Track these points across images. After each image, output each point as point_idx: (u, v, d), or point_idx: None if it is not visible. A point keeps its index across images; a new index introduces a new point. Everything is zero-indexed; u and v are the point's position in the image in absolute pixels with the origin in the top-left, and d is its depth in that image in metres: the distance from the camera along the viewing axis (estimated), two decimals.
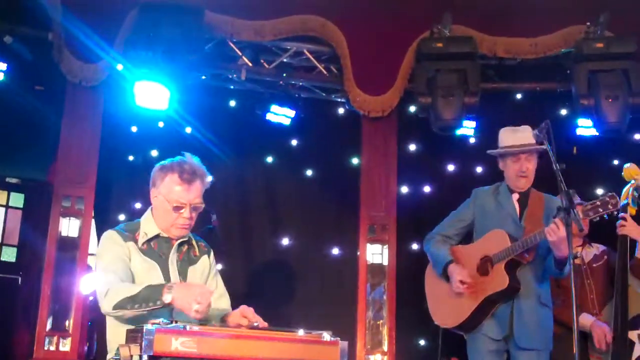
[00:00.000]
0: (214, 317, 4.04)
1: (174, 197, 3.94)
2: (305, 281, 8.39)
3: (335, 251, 8.53)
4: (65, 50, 7.22)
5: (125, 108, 7.49)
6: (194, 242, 4.16)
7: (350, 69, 7.86)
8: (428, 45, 7.53)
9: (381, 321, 7.72)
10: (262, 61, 8.30)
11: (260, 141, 8.56)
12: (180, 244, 4.08)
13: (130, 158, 8.29)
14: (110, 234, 4.00)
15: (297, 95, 8.44)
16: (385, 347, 7.66)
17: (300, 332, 3.56)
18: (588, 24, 7.44)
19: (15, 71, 7.22)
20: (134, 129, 8.29)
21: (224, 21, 7.65)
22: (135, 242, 3.96)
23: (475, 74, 7.49)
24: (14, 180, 8.44)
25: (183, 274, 4.02)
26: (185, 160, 4.05)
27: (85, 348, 7.62)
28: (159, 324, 3.23)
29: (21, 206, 8.59)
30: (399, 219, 8.01)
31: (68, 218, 7.34)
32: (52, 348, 7.01)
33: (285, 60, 8.28)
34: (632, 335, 5.53)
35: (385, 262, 7.87)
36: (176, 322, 3.28)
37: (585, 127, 7.90)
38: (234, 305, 4.10)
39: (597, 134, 7.68)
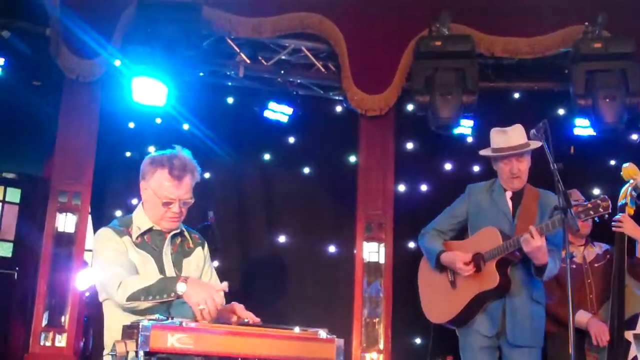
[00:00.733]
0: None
1: (163, 193, 3.92)
2: (301, 279, 8.40)
3: (332, 249, 8.54)
4: (62, 46, 7.21)
5: (122, 104, 7.49)
6: (186, 234, 4.13)
7: (348, 67, 7.86)
8: (426, 44, 7.53)
9: (377, 319, 7.72)
10: (260, 58, 8.29)
11: (257, 138, 8.56)
12: (174, 236, 4.06)
13: (128, 154, 8.30)
14: (104, 232, 3.99)
15: (295, 93, 8.44)
16: (381, 345, 7.67)
17: (297, 330, 3.56)
18: (586, 24, 7.44)
19: (12, 66, 7.22)
20: (131, 125, 8.30)
21: (222, 18, 7.64)
22: (130, 236, 3.96)
23: (473, 73, 7.49)
24: (10, 175, 8.44)
25: (178, 266, 4.01)
26: (175, 155, 4.00)
27: (81, 344, 7.63)
28: (155, 319, 3.22)
29: (18, 201, 8.59)
30: (396, 217, 8.01)
31: (65, 213, 7.33)
32: (48, 344, 7.00)
33: (283, 57, 8.27)
34: (629, 335, 5.53)
35: (382, 261, 7.87)
36: (172, 318, 3.28)
37: (583, 127, 7.91)
38: (230, 302, 4.11)
39: (595, 133, 7.69)
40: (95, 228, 8.01)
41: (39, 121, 7.83)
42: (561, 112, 8.38)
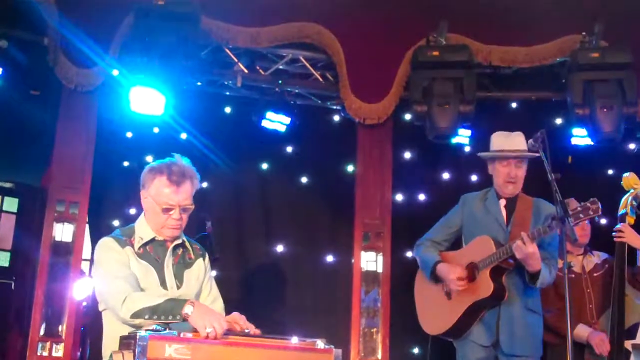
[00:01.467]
0: None
1: (162, 199, 3.94)
2: (299, 288, 8.39)
3: (330, 258, 8.53)
4: (60, 55, 7.20)
5: (120, 113, 7.48)
6: (188, 245, 4.15)
7: (346, 76, 7.87)
8: (424, 54, 7.54)
9: (375, 329, 7.71)
10: (257, 68, 8.29)
11: (255, 148, 8.55)
12: (175, 247, 4.07)
13: (125, 163, 8.29)
14: (107, 242, 3.98)
15: (292, 102, 8.44)
16: (379, 355, 7.65)
17: (294, 340, 3.56)
18: (583, 33, 7.46)
19: (10, 75, 7.21)
20: (129, 134, 8.29)
21: (220, 27, 7.65)
22: (132, 246, 3.95)
23: (471, 82, 7.50)
24: (7, 185, 8.42)
25: (179, 278, 4.02)
26: (174, 162, 4.04)
27: (78, 353, 7.60)
28: (152, 330, 3.22)
29: (15, 211, 8.56)
30: (393, 226, 8.01)
31: (62, 223, 7.31)
32: (45, 353, 6.98)
33: (281, 67, 8.27)
34: (628, 344, 5.54)
35: (380, 270, 7.86)
36: (170, 329, 3.28)
37: (580, 137, 7.91)
38: (228, 312, 4.10)
39: (592, 143, 7.69)
40: (93, 237, 8.00)
41: (37, 130, 7.82)
42: (558, 121, 8.39)
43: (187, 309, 3.53)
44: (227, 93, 8.42)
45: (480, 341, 5.15)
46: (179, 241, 4.08)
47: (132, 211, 8.04)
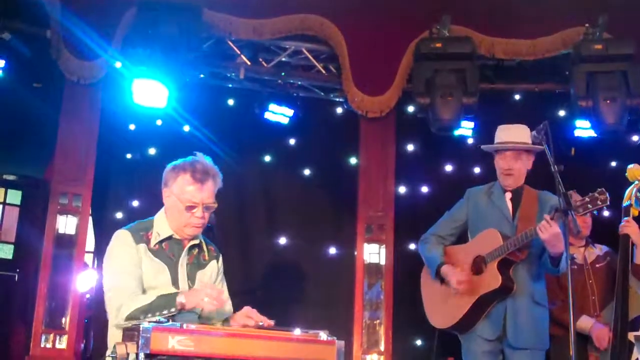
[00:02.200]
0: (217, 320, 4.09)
1: (186, 197, 3.94)
2: (302, 280, 8.39)
3: (333, 250, 8.54)
4: (63, 48, 7.21)
5: (123, 106, 7.48)
6: (204, 246, 4.16)
7: (349, 69, 7.86)
8: (427, 46, 7.53)
9: (378, 321, 7.72)
10: (260, 60, 8.29)
11: (258, 140, 8.56)
12: (191, 247, 4.08)
13: (128, 156, 8.30)
14: (123, 235, 3.99)
15: (295, 95, 8.45)
16: (382, 347, 7.66)
17: (297, 332, 3.56)
18: (587, 25, 7.44)
19: (13, 68, 7.22)
20: (132, 126, 8.30)
21: (222, 19, 7.64)
22: (147, 242, 3.96)
23: (474, 74, 7.48)
24: (11, 177, 8.45)
25: (191, 278, 4.03)
26: (197, 160, 4.04)
27: (82, 345, 7.63)
28: (156, 322, 3.23)
29: (18, 203, 8.60)
30: (396, 218, 8.01)
31: (65, 215, 7.33)
32: (49, 345, 7.00)
33: (283, 59, 8.27)
34: (631, 336, 5.53)
35: (383, 262, 7.87)
36: (173, 320, 3.28)
37: (584, 129, 7.91)
38: (232, 304, 4.13)
39: (596, 135, 7.68)
40: (96, 230, 8.02)
41: (40, 123, 7.83)
42: (562, 113, 8.38)
43: (180, 299, 3.61)
44: (230, 85, 8.42)
45: (485, 335, 5.14)
46: (196, 241, 4.09)
47: (135, 203, 8.08)
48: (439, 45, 7.48)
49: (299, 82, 8.48)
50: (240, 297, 4.52)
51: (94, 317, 7.83)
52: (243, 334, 3.45)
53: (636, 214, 5.62)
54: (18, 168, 8.39)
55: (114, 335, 3.80)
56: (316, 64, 8.33)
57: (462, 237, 5.54)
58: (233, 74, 8.21)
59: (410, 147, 8.75)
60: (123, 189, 8.16)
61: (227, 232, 7.86)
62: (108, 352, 3.79)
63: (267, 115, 8.23)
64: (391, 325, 7.73)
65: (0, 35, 7.02)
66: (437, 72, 7.45)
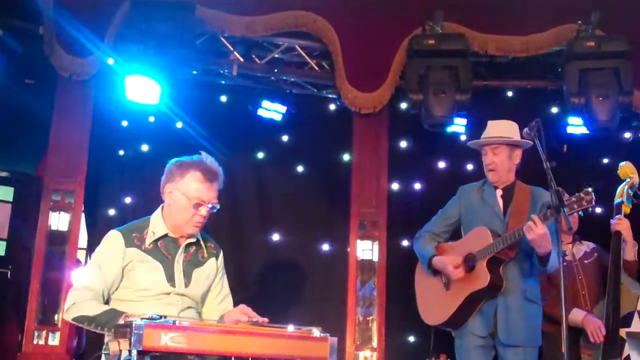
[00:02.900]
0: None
1: (194, 194, 3.99)
2: (295, 277, 8.39)
3: (326, 247, 8.54)
4: (55, 44, 7.19)
5: (116, 102, 7.48)
6: (202, 243, 4.18)
7: (342, 65, 7.86)
8: (420, 42, 7.53)
9: (371, 317, 7.73)
10: (253, 57, 8.29)
11: (251, 137, 8.55)
12: (188, 245, 4.10)
13: (121, 152, 8.29)
14: (113, 236, 4.02)
15: (288, 91, 8.46)
16: (374, 344, 7.67)
17: (290, 328, 3.57)
18: (579, 22, 7.46)
19: (5, 64, 7.20)
20: (124, 123, 8.28)
21: (215, 16, 7.63)
22: (141, 243, 3.99)
23: (467, 71, 7.49)
24: (3, 174, 8.40)
25: (187, 276, 4.04)
26: (205, 160, 4.12)
27: (74, 342, 7.60)
28: (148, 318, 3.22)
29: (11, 200, 8.55)
30: (389, 215, 8.02)
31: (58, 212, 7.32)
32: (41, 342, 7.00)
33: (276, 55, 8.27)
34: (623, 332, 5.55)
35: (376, 259, 7.87)
36: (166, 317, 3.28)
37: (576, 126, 7.93)
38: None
39: (588, 132, 7.70)
40: (89, 226, 8.00)
41: (32, 119, 7.81)
42: (554, 110, 8.40)
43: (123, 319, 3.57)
44: (223, 82, 8.41)
45: (477, 331, 5.15)
46: (192, 239, 4.11)
47: (128, 200, 8.07)
48: (432, 42, 7.49)
49: (292, 79, 8.49)
50: (233, 293, 4.53)
51: None
52: (236, 330, 3.45)
53: (628, 211, 5.64)
54: (10, 164, 8.35)
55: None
56: (309, 60, 8.33)
57: (456, 235, 5.55)
58: (226, 71, 8.21)
59: (403, 144, 8.75)
60: (116, 185, 8.16)
61: (220, 228, 7.85)
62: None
63: (260, 112, 8.23)
64: (384, 322, 7.74)
65: None
66: (430, 69, 7.46)
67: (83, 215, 7.70)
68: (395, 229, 8.11)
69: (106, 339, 3.83)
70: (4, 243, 8.43)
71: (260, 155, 8.72)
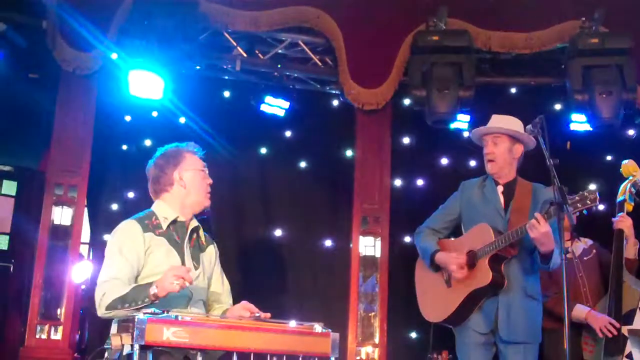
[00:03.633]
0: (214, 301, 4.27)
1: (200, 165, 4.29)
2: (298, 272, 8.40)
3: (328, 243, 8.54)
4: (59, 39, 7.19)
5: (119, 97, 7.47)
6: (201, 232, 4.31)
7: (345, 61, 7.85)
8: (423, 39, 7.52)
9: (373, 313, 7.73)
10: (257, 52, 8.28)
11: (254, 132, 8.55)
12: (192, 231, 4.21)
13: (124, 147, 8.29)
14: (131, 224, 4.07)
15: (291, 87, 8.44)
16: (376, 340, 7.67)
17: (292, 324, 3.57)
18: (583, 19, 7.44)
19: (9, 59, 7.21)
20: (127, 118, 8.29)
21: (219, 11, 7.63)
22: (154, 228, 4.07)
23: (470, 67, 7.48)
24: (6, 168, 8.42)
25: (196, 259, 4.16)
26: (183, 144, 4.40)
27: (77, 336, 7.62)
28: (151, 313, 3.23)
29: (14, 194, 8.57)
30: (392, 211, 8.01)
31: (61, 206, 7.32)
32: (44, 336, 7.00)
33: (280, 51, 8.26)
34: (625, 330, 5.55)
35: (378, 255, 7.87)
36: (168, 312, 3.29)
37: (579, 122, 7.91)
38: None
39: (591, 129, 7.69)
40: (92, 221, 8.01)
41: (35, 114, 7.81)
42: (558, 107, 8.39)
43: (152, 289, 3.62)
44: (226, 77, 8.41)
45: (478, 328, 5.14)
46: (195, 224, 4.25)
47: (131, 195, 8.06)
48: (435, 38, 7.48)
49: (295, 75, 8.48)
50: (235, 287, 4.54)
51: (89, 308, 7.82)
52: (238, 325, 3.46)
53: (630, 209, 5.64)
54: (13, 159, 8.36)
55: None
56: (312, 56, 8.32)
57: (456, 231, 5.55)
58: (229, 66, 8.20)
59: (406, 140, 8.75)
60: (118, 180, 8.16)
61: (223, 224, 7.86)
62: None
63: (263, 108, 8.23)
64: (386, 318, 7.74)
65: None
66: (434, 65, 7.45)
67: (86, 209, 7.71)
68: (398, 225, 8.10)
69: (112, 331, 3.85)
70: (7, 237, 8.45)
71: (263, 150, 8.72)
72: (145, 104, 7.43)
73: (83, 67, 7.32)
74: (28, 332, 6.99)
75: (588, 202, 4.66)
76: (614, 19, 7.44)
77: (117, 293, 3.70)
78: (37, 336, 7.00)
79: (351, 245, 7.98)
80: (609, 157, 8.21)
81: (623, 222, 5.60)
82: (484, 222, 5.17)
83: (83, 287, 7.59)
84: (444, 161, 8.76)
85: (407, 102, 8.19)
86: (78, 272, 7.36)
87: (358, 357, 7.61)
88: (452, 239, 5.48)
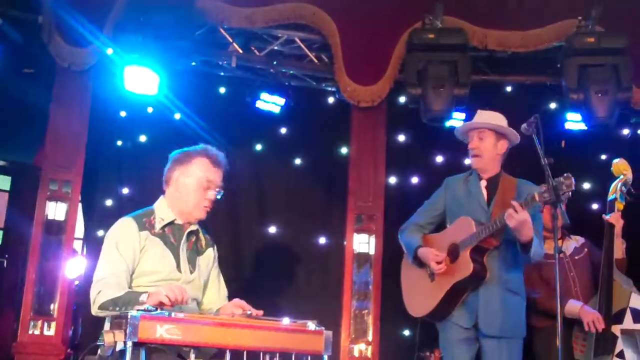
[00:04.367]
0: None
1: (205, 177, 4.18)
2: (291, 270, 8.39)
3: (322, 240, 8.53)
4: (54, 34, 7.17)
5: (114, 93, 7.46)
6: (201, 235, 4.27)
7: (341, 58, 7.84)
8: (419, 36, 7.51)
9: (366, 311, 7.73)
10: (252, 48, 8.28)
11: (249, 129, 8.55)
12: (189, 234, 4.19)
13: (119, 143, 8.27)
14: (126, 222, 4.09)
15: (287, 84, 8.44)
16: (369, 337, 7.68)
17: (285, 321, 3.58)
18: (579, 18, 7.43)
19: (4, 54, 7.18)
20: (122, 113, 8.26)
21: (215, 7, 7.61)
22: (150, 228, 4.06)
23: (466, 65, 7.47)
24: (0, 163, 8.42)
25: (192, 263, 4.14)
26: (209, 148, 4.31)
27: (70, 332, 7.62)
28: (144, 310, 3.23)
29: (8, 189, 8.57)
30: (386, 209, 8.01)
31: (55, 202, 7.30)
32: (37, 332, 6.98)
33: (276, 48, 8.25)
34: (616, 329, 5.57)
35: (372, 252, 7.87)
36: (161, 309, 3.29)
37: (574, 122, 7.93)
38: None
39: (586, 128, 7.70)
40: (86, 217, 8.00)
41: (30, 109, 7.79)
42: (553, 106, 8.40)
43: (143, 297, 3.63)
44: (222, 73, 8.40)
45: (461, 323, 5.16)
46: (194, 227, 4.22)
47: (125, 191, 8.05)
48: (431, 36, 7.46)
49: (291, 71, 8.47)
50: (229, 285, 4.55)
51: (82, 304, 7.81)
52: (231, 323, 3.46)
53: (621, 207, 5.67)
54: (8, 154, 8.36)
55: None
56: (308, 53, 8.32)
57: (441, 226, 5.56)
58: (225, 62, 8.19)
59: (401, 138, 8.75)
60: (113, 176, 8.14)
61: (218, 220, 7.84)
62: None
63: (259, 104, 8.22)
64: (379, 315, 7.74)
65: None
66: (429, 63, 7.44)
67: (80, 205, 7.69)
68: (392, 223, 8.06)
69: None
70: (1, 232, 8.45)
71: (259, 147, 8.71)
72: (140, 99, 7.42)
73: (78, 62, 7.30)
74: (21, 328, 6.97)
75: (564, 187, 4.61)
76: (610, 19, 7.44)
77: (111, 295, 3.71)
78: (30, 332, 6.97)
79: (345, 242, 7.98)
80: (603, 157, 8.21)
81: (616, 218, 5.63)
82: (466, 216, 5.21)
83: (77, 282, 7.59)
84: (439, 159, 8.75)
85: (402, 99, 8.17)
86: (72, 267, 7.35)
87: (351, 355, 7.61)
88: (435, 234, 5.51)
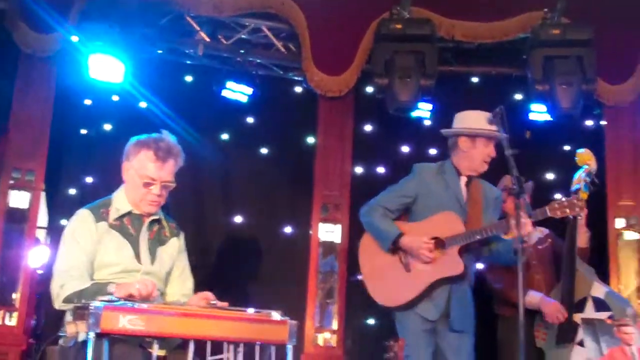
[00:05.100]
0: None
1: (145, 173, 4.03)
2: (257, 259, 8.37)
3: (288, 229, 8.53)
4: (18, 20, 7.09)
5: (79, 80, 7.38)
6: (164, 223, 4.24)
7: (309, 48, 7.82)
8: (387, 27, 7.51)
9: (331, 300, 7.75)
10: (219, 37, 8.24)
11: (216, 118, 8.50)
12: (151, 223, 4.13)
13: (83, 131, 8.19)
14: (83, 214, 4.06)
15: (254, 73, 8.40)
16: (334, 326, 7.69)
17: (250, 311, 3.58)
18: (546, 10, 7.48)
19: None
20: (87, 101, 8.18)
21: None
22: (107, 218, 3.98)
23: (433, 56, 7.48)
24: None
25: (153, 253, 4.08)
26: (162, 138, 4.17)
27: (32, 322, 7.54)
28: (107, 301, 3.21)
29: None
30: (352, 198, 8.01)
31: (18, 190, 7.23)
32: None
33: (243, 36, 8.22)
34: (577, 317, 5.64)
35: (338, 241, 7.88)
36: (125, 300, 3.27)
37: (539, 112, 7.98)
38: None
39: (551, 119, 7.76)
40: (49, 205, 7.92)
41: None
42: (519, 97, 8.44)
43: (110, 288, 3.63)
44: (188, 62, 8.35)
45: (426, 315, 5.18)
46: (155, 217, 4.16)
47: (89, 179, 7.99)
48: (398, 26, 7.47)
49: (258, 60, 8.44)
50: (195, 275, 4.53)
51: (45, 293, 7.73)
52: (195, 313, 3.46)
53: (585, 197, 5.72)
54: None
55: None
56: (276, 42, 8.29)
57: (403, 215, 5.55)
58: (191, 51, 8.15)
59: (367, 128, 8.75)
60: (77, 164, 8.07)
61: (183, 209, 7.79)
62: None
63: (225, 93, 8.17)
64: (344, 305, 7.76)
65: None
66: (396, 53, 7.45)
67: (43, 194, 7.62)
68: (358, 212, 8.11)
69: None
70: None
71: (225, 136, 8.67)
72: (105, 87, 7.35)
73: (43, 48, 7.22)
74: None
75: (577, 209, 4.75)
76: (576, 11, 7.49)
77: (76, 287, 3.69)
78: None
79: (311, 232, 7.98)
80: (567, 147, 8.27)
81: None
82: (449, 211, 5.22)
83: (40, 272, 7.51)
84: (405, 149, 8.77)
85: (369, 89, 8.18)
86: (35, 257, 7.27)
87: (315, 343, 7.62)
88: (411, 223, 5.46)
